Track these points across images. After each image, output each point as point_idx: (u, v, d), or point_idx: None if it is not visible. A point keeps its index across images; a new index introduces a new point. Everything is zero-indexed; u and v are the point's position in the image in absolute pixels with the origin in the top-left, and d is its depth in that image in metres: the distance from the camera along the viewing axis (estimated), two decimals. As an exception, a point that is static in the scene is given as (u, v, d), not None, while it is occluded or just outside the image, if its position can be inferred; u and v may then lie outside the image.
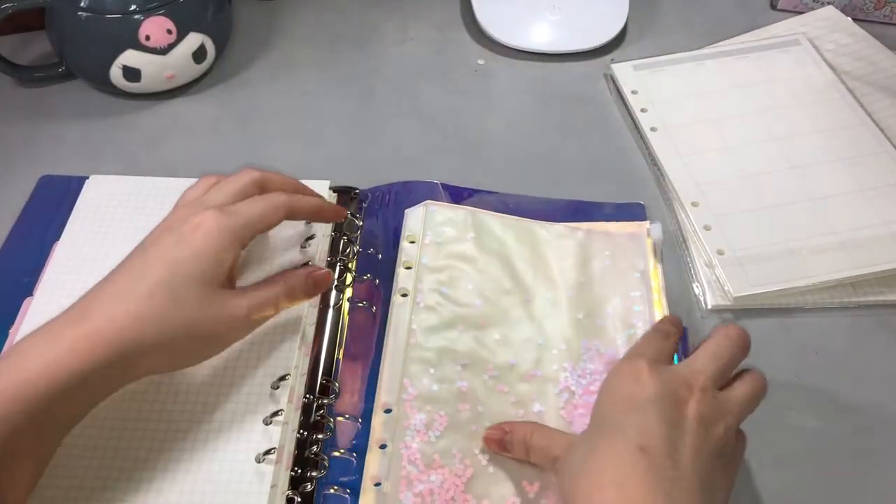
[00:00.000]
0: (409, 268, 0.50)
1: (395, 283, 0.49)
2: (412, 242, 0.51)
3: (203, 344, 0.41)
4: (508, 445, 0.42)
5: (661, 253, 0.52)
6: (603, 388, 0.40)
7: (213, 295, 0.40)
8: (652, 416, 0.35)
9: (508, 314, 0.48)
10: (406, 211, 0.53)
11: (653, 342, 0.41)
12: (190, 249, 0.39)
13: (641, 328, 0.48)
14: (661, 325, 0.43)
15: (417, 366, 0.45)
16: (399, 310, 0.48)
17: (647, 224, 0.53)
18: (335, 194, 0.55)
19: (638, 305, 0.49)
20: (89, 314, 0.38)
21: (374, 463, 0.42)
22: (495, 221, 0.52)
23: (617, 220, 0.54)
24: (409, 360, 0.46)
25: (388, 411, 0.44)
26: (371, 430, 0.43)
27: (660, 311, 0.49)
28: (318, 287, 0.46)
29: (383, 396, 0.45)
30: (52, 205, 0.55)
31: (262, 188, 0.44)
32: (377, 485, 0.41)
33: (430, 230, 0.52)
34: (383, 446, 0.43)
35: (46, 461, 0.39)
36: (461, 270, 0.50)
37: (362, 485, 0.42)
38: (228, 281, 0.43)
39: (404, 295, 0.49)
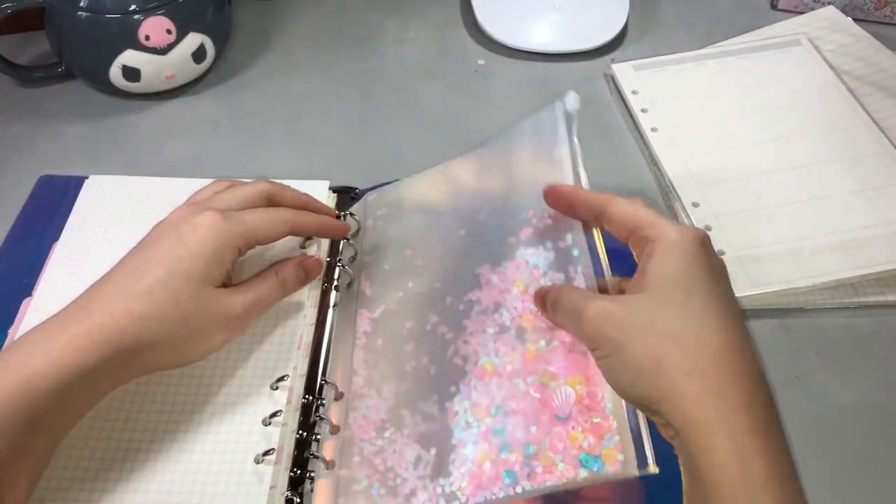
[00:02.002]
0: (352, 259, 0.51)
1: (341, 274, 0.50)
2: (355, 235, 0.52)
3: (200, 341, 0.41)
4: (547, 303, 0.39)
5: (576, 124, 0.45)
6: (667, 251, 0.35)
7: (210, 294, 0.40)
8: (727, 286, 0.35)
9: (447, 260, 0.47)
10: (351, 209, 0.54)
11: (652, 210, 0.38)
12: (188, 249, 0.40)
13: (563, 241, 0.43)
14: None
15: (363, 351, 0.46)
16: (343, 297, 0.49)
17: (557, 101, 0.47)
18: (335, 195, 0.55)
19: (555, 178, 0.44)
20: (90, 311, 0.38)
21: (328, 448, 0.43)
22: (420, 181, 0.53)
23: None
24: (355, 346, 0.46)
25: (337, 398, 0.44)
26: (327, 417, 0.44)
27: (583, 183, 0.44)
28: (309, 275, 0.47)
29: (338, 385, 0.45)
30: (51, 205, 0.55)
31: (270, 201, 0.45)
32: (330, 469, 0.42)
33: (370, 217, 0.53)
34: (336, 431, 0.43)
35: (47, 461, 0.39)
36: (399, 243, 0.50)
37: (317, 472, 0.42)
38: (226, 281, 0.43)
39: (349, 285, 0.50)
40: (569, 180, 0.43)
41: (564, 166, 0.44)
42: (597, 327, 0.35)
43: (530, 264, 0.43)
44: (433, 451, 0.40)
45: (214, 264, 0.40)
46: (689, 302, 0.33)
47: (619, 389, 0.34)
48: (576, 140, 0.44)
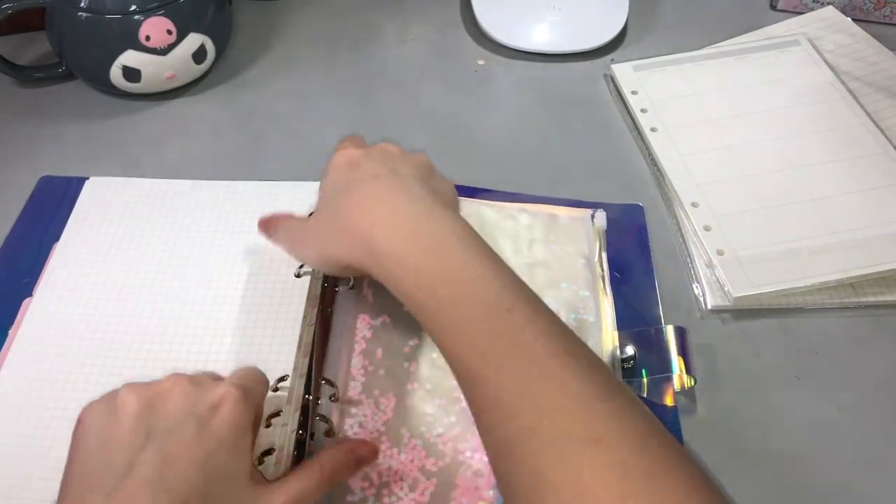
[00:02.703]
0: None
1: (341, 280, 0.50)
2: None
3: None
4: (270, 229, 0.46)
5: (605, 240, 0.53)
6: (324, 177, 0.44)
7: (245, 496, 0.33)
8: (373, 161, 0.43)
9: None
10: None
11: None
12: (216, 439, 0.32)
13: (586, 314, 0.49)
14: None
15: (361, 357, 0.47)
16: (344, 300, 0.49)
17: (590, 211, 0.55)
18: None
19: (584, 291, 0.50)
20: None
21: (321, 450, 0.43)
22: None
23: (568, 206, 0.55)
24: (354, 351, 0.47)
25: (333, 399, 0.45)
26: (325, 416, 0.44)
27: (603, 297, 0.50)
28: (361, 464, 0.41)
29: (329, 386, 0.45)
30: (51, 205, 0.55)
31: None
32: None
33: None
34: (330, 433, 0.43)
35: None
36: None
37: None
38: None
39: (350, 287, 0.50)
40: (594, 284, 0.51)
41: (596, 273, 0.51)
42: (288, 248, 0.45)
43: None
44: (434, 480, 0.42)
45: (245, 450, 0.33)
46: (341, 192, 0.42)
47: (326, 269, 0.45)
48: (605, 255, 0.52)
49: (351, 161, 0.43)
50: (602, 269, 0.51)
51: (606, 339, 0.48)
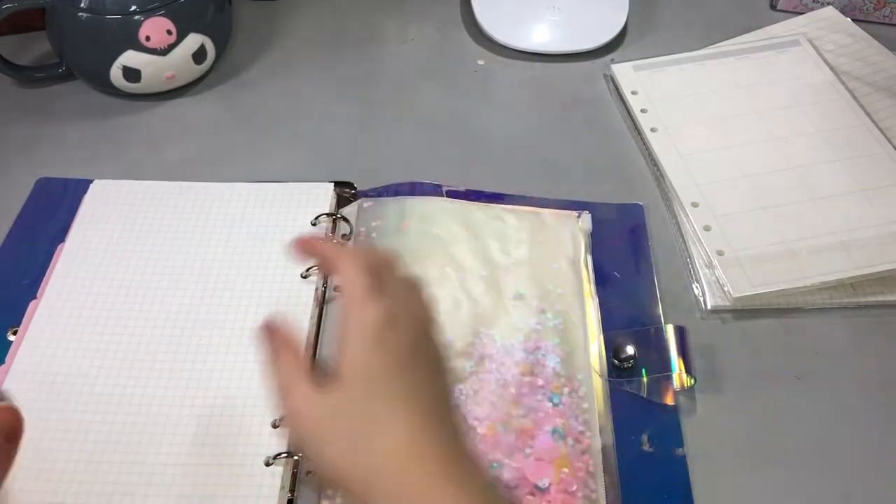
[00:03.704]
0: None
1: (330, 280, 0.50)
2: (347, 239, 0.53)
3: None
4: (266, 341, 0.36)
5: (590, 242, 0.53)
6: (355, 336, 0.33)
7: None
8: (419, 369, 0.33)
9: (444, 295, 0.49)
10: (341, 211, 0.54)
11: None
12: None
13: (571, 314, 0.49)
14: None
15: None
16: (334, 307, 0.49)
17: (576, 213, 0.55)
18: (334, 193, 0.55)
19: (569, 291, 0.50)
20: None
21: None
22: (428, 205, 0.54)
23: (557, 208, 0.55)
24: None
25: None
26: None
27: (589, 299, 0.50)
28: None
29: None
30: (48, 207, 0.55)
31: None
32: (308, 473, 0.42)
33: (363, 225, 0.53)
34: None
35: None
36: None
37: (299, 477, 0.42)
38: None
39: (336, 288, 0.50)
40: (579, 286, 0.51)
41: (580, 275, 0.51)
42: (293, 425, 0.34)
43: (535, 354, 0.47)
44: None
45: None
46: (367, 399, 0.32)
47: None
48: (590, 257, 0.52)
49: (397, 345, 0.33)
50: (587, 271, 0.51)
51: (592, 339, 0.48)
